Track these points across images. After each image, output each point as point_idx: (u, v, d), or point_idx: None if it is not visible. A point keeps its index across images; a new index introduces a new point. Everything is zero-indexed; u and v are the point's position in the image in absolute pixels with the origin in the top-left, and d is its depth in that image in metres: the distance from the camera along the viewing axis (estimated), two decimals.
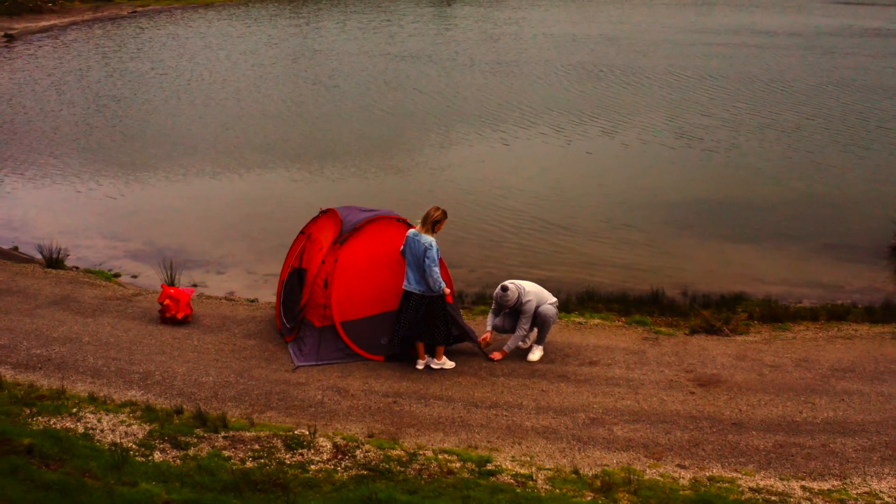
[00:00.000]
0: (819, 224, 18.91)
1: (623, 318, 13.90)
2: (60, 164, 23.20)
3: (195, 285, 14.94)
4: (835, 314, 14.16)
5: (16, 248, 16.52)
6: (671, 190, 21.10)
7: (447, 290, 11.51)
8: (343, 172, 22.53)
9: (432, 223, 11.21)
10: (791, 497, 8.65)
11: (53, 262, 15.33)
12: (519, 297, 11.75)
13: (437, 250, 11.20)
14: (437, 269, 11.20)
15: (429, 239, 11.14)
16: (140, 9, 59.90)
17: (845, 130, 26.81)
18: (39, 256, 15.75)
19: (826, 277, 16.25)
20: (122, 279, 15.42)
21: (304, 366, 11.52)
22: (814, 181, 21.83)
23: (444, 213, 11.33)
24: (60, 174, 22.36)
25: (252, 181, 21.96)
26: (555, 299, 12.18)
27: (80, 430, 9.60)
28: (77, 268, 15.61)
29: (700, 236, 18.31)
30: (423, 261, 11.15)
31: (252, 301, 14.34)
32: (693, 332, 13.24)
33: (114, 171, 22.75)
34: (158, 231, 18.23)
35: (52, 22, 52.28)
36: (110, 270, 15.77)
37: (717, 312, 13.90)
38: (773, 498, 8.63)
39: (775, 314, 14.11)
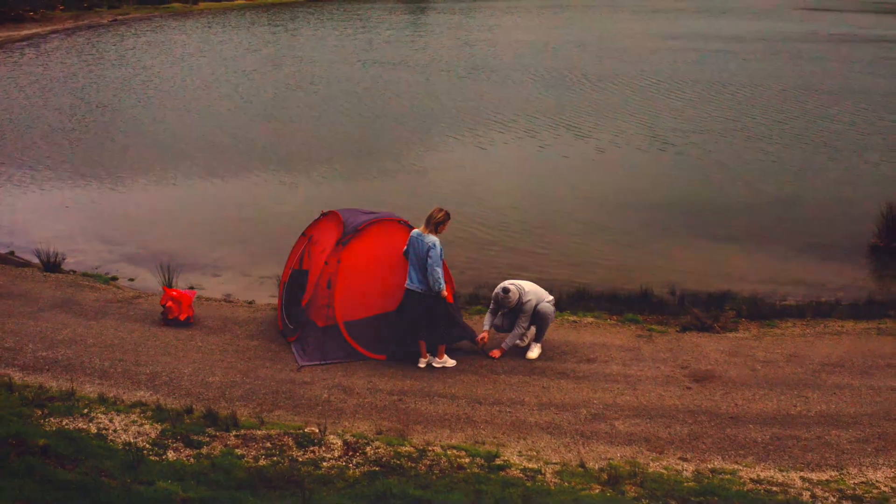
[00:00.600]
0: (796, 224, 19.23)
1: (615, 317, 14.17)
2: (51, 170, 23.27)
3: (192, 287, 15.05)
4: (820, 311, 14.48)
5: (12, 253, 16.57)
6: (648, 193, 21.42)
7: (445, 293, 11.72)
8: (327, 176, 22.79)
9: (435, 224, 11.46)
10: (791, 488, 8.95)
11: (51, 265, 15.40)
12: (520, 297, 12.01)
13: (441, 251, 11.44)
14: (438, 270, 11.43)
15: (432, 239, 11.38)
16: (120, 17, 60.09)
17: (813, 134, 27.31)
18: (36, 260, 15.81)
19: (809, 276, 16.55)
20: (120, 282, 15.52)
21: (308, 365, 11.71)
22: (786, 183, 22.21)
23: (448, 215, 11.57)
24: (51, 179, 22.44)
25: (240, 185, 22.13)
26: (552, 297, 12.45)
27: (93, 430, 9.74)
28: (74, 271, 15.69)
29: (680, 237, 18.60)
30: (426, 260, 11.38)
31: (250, 303, 14.50)
32: (684, 329, 13.53)
33: (104, 176, 22.87)
34: (151, 235, 18.36)
35: (34, 31, 52.39)
36: (107, 274, 15.87)
37: (705, 310, 14.22)
38: (775, 489, 8.92)
39: (762, 312, 14.42)
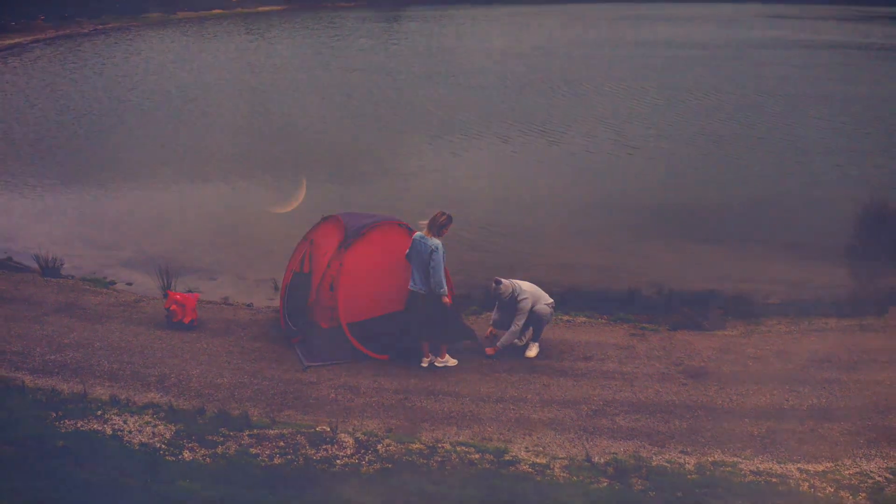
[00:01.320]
0: (772, 226, 19.71)
1: (605, 317, 14.51)
2: (43, 176, 23.40)
3: (189, 291, 15.21)
4: (804, 309, 14.90)
5: (10, 259, 16.61)
6: (622, 196, 21.85)
7: (446, 299, 11.99)
8: (313, 180, 22.97)
9: (438, 227, 11.74)
10: (791, 479, 9.32)
11: (50, 270, 15.49)
12: (513, 291, 12.33)
13: (444, 254, 11.72)
14: (440, 272, 11.71)
15: (435, 242, 11.65)
16: (101, 27, 60.27)
17: (779, 138, 27.92)
18: (34, 266, 15.89)
19: (789, 275, 16.95)
20: (118, 287, 15.64)
21: (313, 366, 11.94)
22: (757, 186, 22.72)
23: (450, 218, 11.84)
24: (41, 186, 22.56)
25: (231, 190, 22.38)
26: (551, 300, 12.76)
27: (109, 431, 9.91)
28: (73, 276, 15.80)
29: (660, 239, 18.97)
30: (429, 263, 11.66)
31: (249, 305, 14.70)
32: (675, 327, 13.91)
33: (96, 181, 23.09)
34: (145, 240, 18.53)
35: (16, 40, 52.43)
36: (105, 278, 15.99)
37: (692, 309, 14.60)
38: (774, 480, 9.29)
39: (748, 310, 14.81)
